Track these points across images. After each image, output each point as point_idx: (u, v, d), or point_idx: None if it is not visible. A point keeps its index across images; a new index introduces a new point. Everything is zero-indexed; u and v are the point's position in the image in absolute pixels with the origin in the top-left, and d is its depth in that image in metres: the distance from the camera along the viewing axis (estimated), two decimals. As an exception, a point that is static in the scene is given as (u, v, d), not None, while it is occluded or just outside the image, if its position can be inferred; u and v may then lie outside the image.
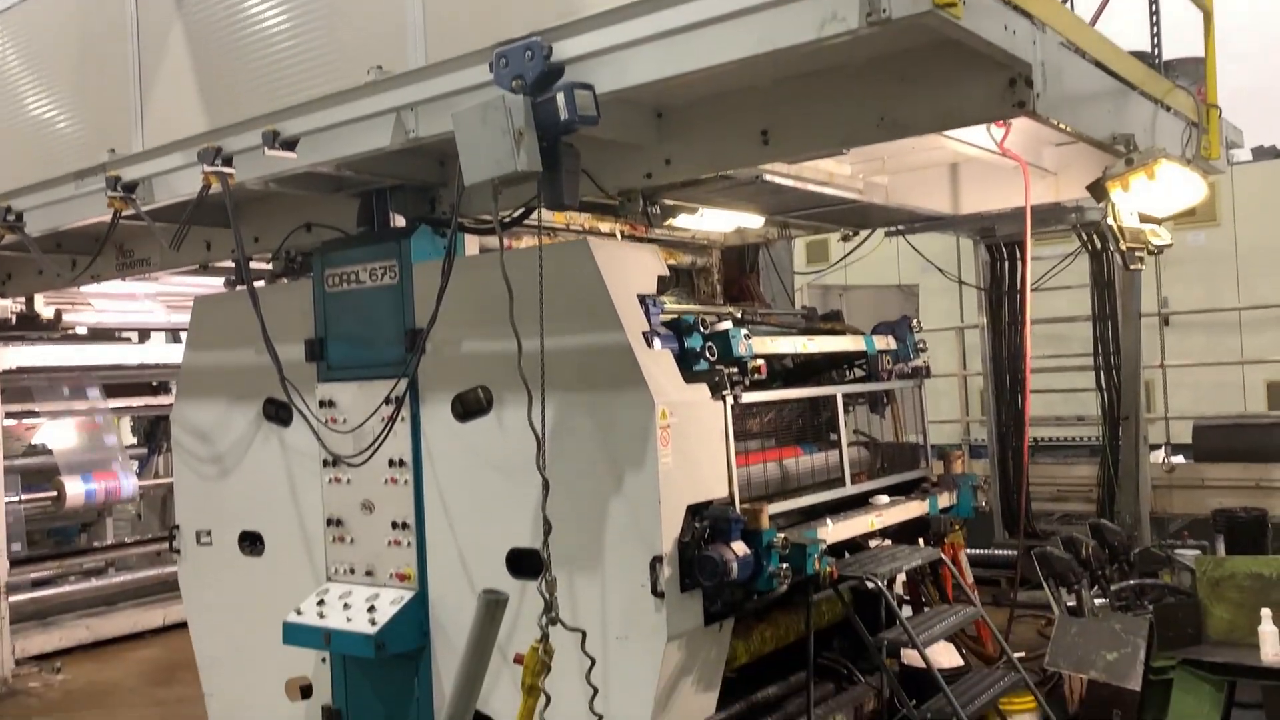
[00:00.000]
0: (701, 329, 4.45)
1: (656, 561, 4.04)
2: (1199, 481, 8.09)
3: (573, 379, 4.24)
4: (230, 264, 6.39)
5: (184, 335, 11.58)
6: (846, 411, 5.54)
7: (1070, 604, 6.32)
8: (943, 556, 5.65)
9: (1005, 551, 8.03)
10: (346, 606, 4.83)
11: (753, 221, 6.14)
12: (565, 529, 4.17)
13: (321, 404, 5.11)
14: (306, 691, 5.23)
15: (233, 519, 5.63)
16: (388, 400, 4.82)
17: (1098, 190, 4.32)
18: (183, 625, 9.65)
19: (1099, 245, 8.00)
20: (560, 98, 3.39)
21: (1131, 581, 6.69)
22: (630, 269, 4.37)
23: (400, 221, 5.13)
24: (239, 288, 6.01)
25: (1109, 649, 5.44)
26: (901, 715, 5.03)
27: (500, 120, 3.40)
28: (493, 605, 1.48)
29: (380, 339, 4.95)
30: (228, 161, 4.54)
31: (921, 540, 5.81)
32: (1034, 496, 8.33)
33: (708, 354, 4.38)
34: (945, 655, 5.36)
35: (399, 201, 5.10)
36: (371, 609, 4.74)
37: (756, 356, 4.58)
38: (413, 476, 4.81)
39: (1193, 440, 8.47)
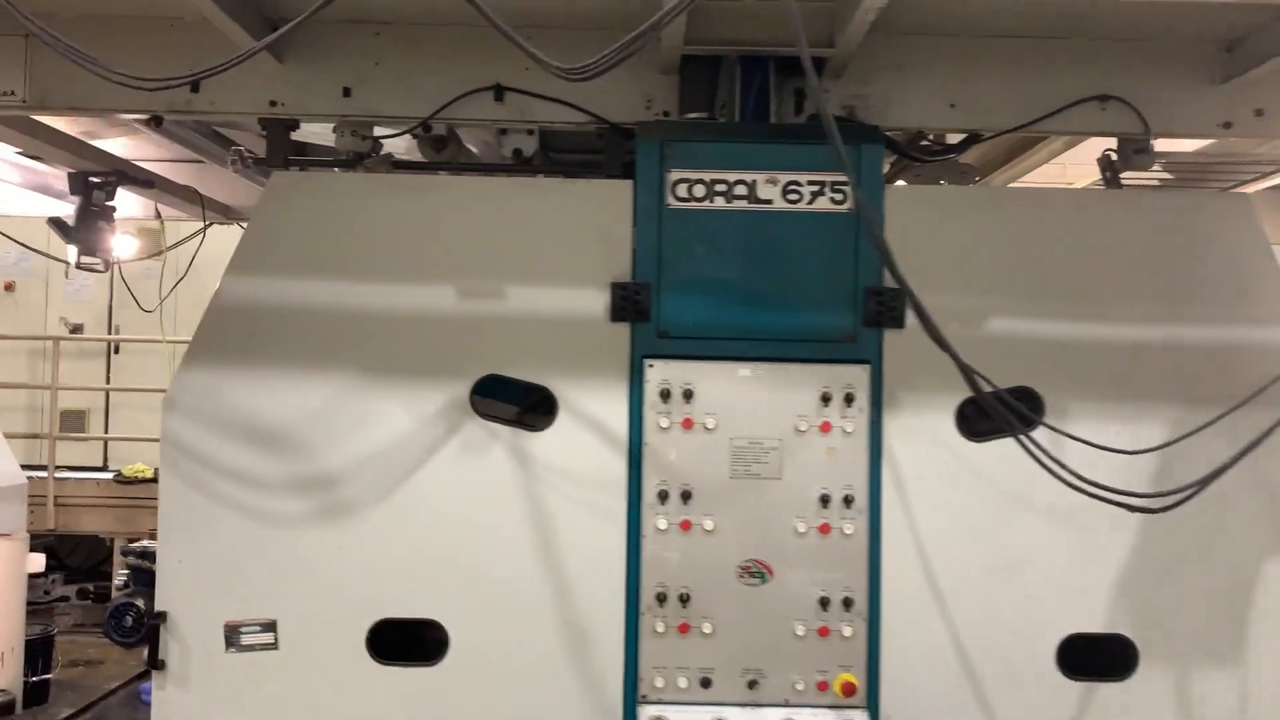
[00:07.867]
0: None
1: (1347, 646, 2.98)
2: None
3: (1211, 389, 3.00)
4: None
5: None
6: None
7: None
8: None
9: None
10: (756, 746, 2.83)
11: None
12: (1193, 608, 2.98)
13: (663, 394, 2.98)
14: None
15: (349, 598, 3.03)
16: (826, 399, 2.96)
17: None
18: None
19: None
20: None
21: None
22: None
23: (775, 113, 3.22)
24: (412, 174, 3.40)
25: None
26: None
27: None
28: None
29: (804, 297, 3.03)
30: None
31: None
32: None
33: None
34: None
35: (783, 80, 3.20)
36: (825, 748, 2.83)
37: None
38: (867, 523, 3.00)
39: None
